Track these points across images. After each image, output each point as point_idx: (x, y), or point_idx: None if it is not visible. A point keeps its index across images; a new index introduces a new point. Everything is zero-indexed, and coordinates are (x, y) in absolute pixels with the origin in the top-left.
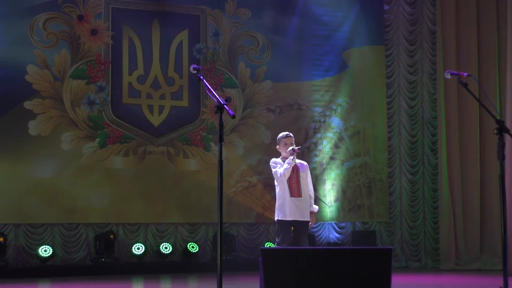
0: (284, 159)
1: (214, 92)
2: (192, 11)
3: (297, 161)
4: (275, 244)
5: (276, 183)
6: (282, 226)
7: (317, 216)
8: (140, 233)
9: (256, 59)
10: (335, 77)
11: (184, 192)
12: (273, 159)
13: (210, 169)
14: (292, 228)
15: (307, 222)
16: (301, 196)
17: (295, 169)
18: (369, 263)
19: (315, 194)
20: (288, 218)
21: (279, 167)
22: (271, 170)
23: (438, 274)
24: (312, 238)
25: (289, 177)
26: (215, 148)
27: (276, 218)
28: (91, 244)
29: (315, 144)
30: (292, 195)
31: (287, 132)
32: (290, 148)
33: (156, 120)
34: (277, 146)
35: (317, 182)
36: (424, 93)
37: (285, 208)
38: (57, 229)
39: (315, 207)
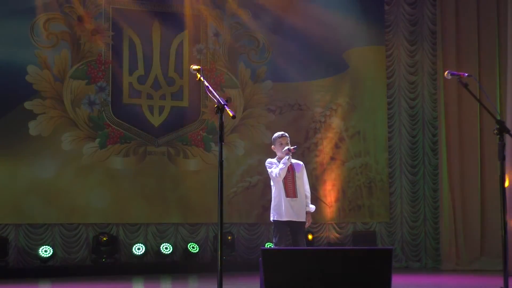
0: (279, 159)
1: (214, 92)
2: (192, 11)
3: (293, 161)
4: (273, 245)
5: (272, 183)
6: (278, 226)
7: (317, 216)
8: (141, 233)
9: (256, 59)
10: (335, 77)
11: (184, 192)
12: (269, 160)
13: (210, 170)
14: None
15: (303, 222)
16: (297, 197)
17: (291, 169)
18: (369, 263)
19: (314, 194)
20: (284, 218)
21: (275, 167)
22: (267, 171)
23: (438, 274)
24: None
25: (284, 178)
26: (215, 148)
27: (272, 219)
28: (91, 244)
29: (315, 145)
30: (287, 195)
31: (282, 132)
32: (286, 148)
33: (156, 120)
34: (273, 146)
35: (317, 182)
36: (425, 93)
37: (280, 209)
38: (57, 229)
39: (312, 207)
